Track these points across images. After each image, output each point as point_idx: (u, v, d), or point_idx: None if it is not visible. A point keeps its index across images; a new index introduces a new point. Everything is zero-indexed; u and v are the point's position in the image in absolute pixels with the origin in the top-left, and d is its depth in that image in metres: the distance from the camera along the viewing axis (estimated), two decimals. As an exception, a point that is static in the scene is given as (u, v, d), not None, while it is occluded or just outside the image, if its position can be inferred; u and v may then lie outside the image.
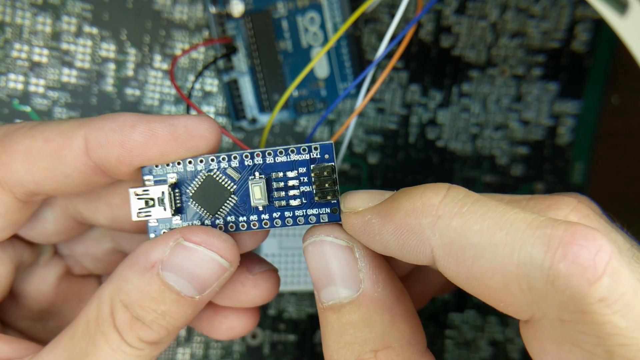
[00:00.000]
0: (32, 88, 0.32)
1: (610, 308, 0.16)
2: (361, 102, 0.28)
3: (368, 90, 0.28)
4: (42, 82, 0.32)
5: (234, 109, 0.34)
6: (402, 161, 0.37)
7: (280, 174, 0.21)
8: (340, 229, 0.21)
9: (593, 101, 0.38)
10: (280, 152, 0.21)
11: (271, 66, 0.33)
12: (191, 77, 0.33)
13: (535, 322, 0.18)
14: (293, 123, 0.35)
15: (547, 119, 0.38)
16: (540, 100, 0.38)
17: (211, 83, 0.34)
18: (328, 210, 0.21)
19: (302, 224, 0.21)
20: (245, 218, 0.22)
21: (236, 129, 0.34)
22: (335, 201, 0.21)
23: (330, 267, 0.21)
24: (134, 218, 0.22)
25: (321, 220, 0.21)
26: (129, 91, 0.33)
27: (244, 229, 0.22)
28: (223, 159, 0.22)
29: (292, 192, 0.21)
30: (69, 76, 0.32)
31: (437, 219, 0.19)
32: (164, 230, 0.22)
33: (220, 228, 0.22)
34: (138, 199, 0.22)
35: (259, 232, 0.23)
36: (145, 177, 0.22)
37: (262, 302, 0.25)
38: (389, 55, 0.27)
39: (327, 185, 0.21)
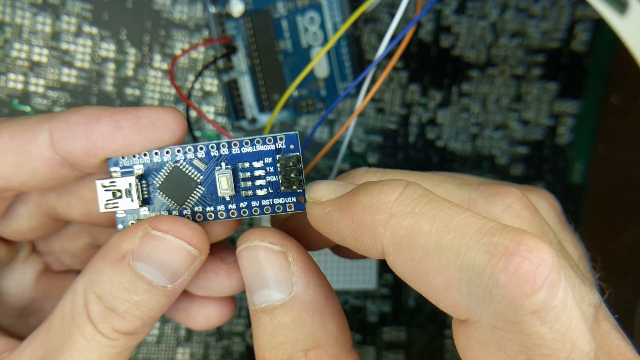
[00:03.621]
0: (32, 88, 0.32)
1: (541, 320, 0.17)
2: (361, 102, 0.28)
3: (368, 90, 0.28)
4: (42, 81, 0.32)
5: (234, 109, 0.34)
6: (401, 161, 0.37)
7: (247, 164, 0.22)
8: (274, 233, 0.22)
9: (593, 101, 0.38)
10: (246, 143, 0.22)
11: (271, 66, 0.33)
12: (191, 77, 0.33)
13: (469, 323, 0.18)
14: (293, 123, 0.35)
15: (547, 119, 0.38)
16: (540, 100, 0.38)
17: (211, 83, 0.34)
18: (294, 199, 0.22)
19: (269, 213, 0.22)
20: (212, 208, 0.22)
21: (236, 129, 0.34)
22: (301, 190, 0.22)
23: (264, 270, 0.21)
24: (102, 210, 0.22)
25: (287, 210, 0.22)
26: (128, 91, 0.33)
27: (212, 219, 0.22)
28: (189, 149, 0.22)
29: (258, 182, 0.22)
30: (69, 76, 0.32)
31: (389, 216, 0.19)
32: (132, 222, 0.22)
33: (188, 218, 0.22)
34: (105, 190, 0.22)
35: (228, 221, 0.23)
36: (112, 169, 0.22)
37: (236, 292, 0.25)
38: (389, 55, 0.27)
39: (292, 175, 0.21)
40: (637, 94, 0.38)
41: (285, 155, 0.21)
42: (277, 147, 0.21)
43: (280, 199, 0.22)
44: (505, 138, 0.38)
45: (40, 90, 0.32)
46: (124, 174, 0.22)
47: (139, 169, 0.22)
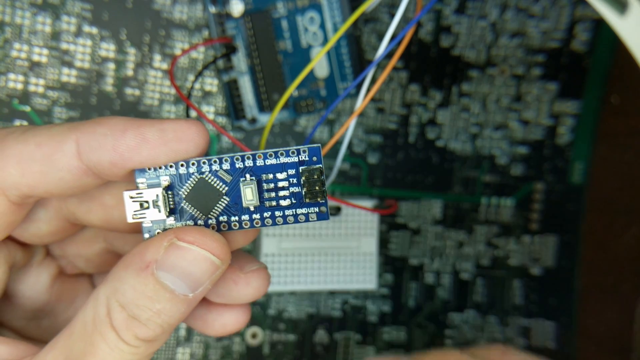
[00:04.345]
0: (31, 88, 0.32)
1: None
2: (361, 102, 0.28)
3: (368, 90, 0.28)
4: (41, 82, 0.32)
5: (234, 109, 0.34)
6: (401, 161, 0.37)
7: (271, 176, 0.22)
8: None
9: (593, 101, 0.38)
10: (270, 155, 0.22)
11: (271, 66, 0.33)
12: (191, 77, 0.33)
13: None
14: (293, 123, 0.35)
15: (547, 119, 0.38)
16: (540, 100, 0.38)
17: (211, 83, 0.34)
18: (317, 209, 0.22)
19: (292, 223, 0.22)
20: (237, 218, 0.22)
21: (236, 129, 0.34)
22: (324, 201, 0.22)
23: None
24: (130, 220, 0.23)
25: (310, 219, 0.22)
26: (128, 91, 0.33)
27: (236, 228, 0.23)
28: (214, 161, 0.22)
29: (282, 193, 0.22)
30: (69, 76, 0.32)
31: None
32: (158, 231, 0.23)
33: (213, 228, 0.23)
34: (133, 201, 0.22)
35: (250, 230, 0.24)
36: (139, 180, 0.23)
37: (254, 299, 0.25)
38: (389, 55, 0.27)
39: (317, 187, 0.22)
40: (637, 94, 0.38)
41: (309, 167, 0.22)
42: (300, 159, 0.22)
43: (303, 209, 0.22)
44: (505, 138, 0.38)
45: (40, 90, 0.32)
46: (150, 186, 0.23)
47: (165, 180, 0.22)
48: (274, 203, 0.22)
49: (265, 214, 0.22)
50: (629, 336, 0.37)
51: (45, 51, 0.32)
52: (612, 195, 0.39)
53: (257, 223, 0.22)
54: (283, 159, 0.22)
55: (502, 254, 0.39)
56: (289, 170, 0.22)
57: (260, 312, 0.36)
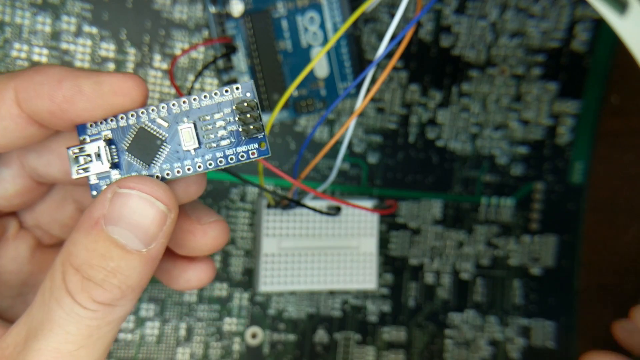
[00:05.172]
0: (31, 88, 0.32)
1: None
2: (361, 102, 0.28)
3: (368, 90, 0.28)
4: (41, 81, 0.32)
5: (234, 109, 0.34)
6: (401, 161, 0.37)
7: (208, 117, 0.22)
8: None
9: (592, 101, 0.38)
10: (205, 96, 0.22)
11: (271, 66, 0.33)
12: (191, 77, 0.33)
13: None
14: (293, 123, 0.35)
15: (547, 119, 0.38)
16: (540, 100, 0.38)
17: (211, 83, 0.34)
18: (256, 145, 0.22)
19: (234, 162, 0.22)
20: (179, 164, 0.23)
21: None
22: (262, 136, 0.22)
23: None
24: (74, 176, 0.23)
25: (251, 156, 0.22)
26: (128, 91, 0.33)
27: (180, 174, 0.23)
28: (152, 110, 0.23)
29: (220, 133, 0.22)
30: (69, 76, 0.32)
31: None
32: (105, 186, 0.23)
33: (158, 177, 0.23)
34: (76, 157, 0.23)
35: (196, 179, 0.24)
36: (81, 137, 0.23)
37: (213, 250, 0.25)
38: (389, 55, 0.27)
39: (250, 117, 0.22)
40: (637, 94, 0.38)
41: (243, 103, 0.22)
42: (235, 96, 0.22)
43: (243, 147, 0.22)
44: (505, 138, 0.38)
45: (40, 90, 0.32)
46: (92, 140, 0.23)
47: (107, 134, 0.23)
48: (213, 144, 0.22)
49: (207, 157, 0.22)
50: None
51: (45, 51, 0.32)
52: (612, 195, 0.39)
53: (199, 167, 0.22)
54: (218, 99, 0.22)
55: (502, 254, 0.39)
56: (224, 110, 0.22)
57: (260, 312, 0.36)
